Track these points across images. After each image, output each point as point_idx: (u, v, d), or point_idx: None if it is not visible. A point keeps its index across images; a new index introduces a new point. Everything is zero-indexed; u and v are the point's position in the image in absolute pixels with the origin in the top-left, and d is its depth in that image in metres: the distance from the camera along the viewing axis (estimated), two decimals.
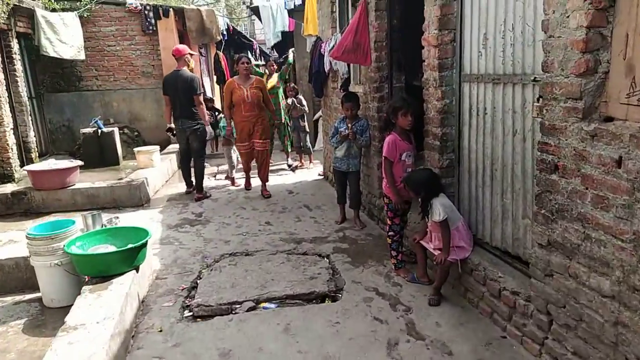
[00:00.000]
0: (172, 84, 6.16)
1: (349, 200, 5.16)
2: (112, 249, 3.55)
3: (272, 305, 3.44)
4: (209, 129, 6.56)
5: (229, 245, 4.68)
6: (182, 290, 3.77)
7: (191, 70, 6.75)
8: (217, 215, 5.70)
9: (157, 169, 7.20)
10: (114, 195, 6.14)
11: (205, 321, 3.28)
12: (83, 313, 2.84)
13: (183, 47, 6.36)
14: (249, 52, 20.96)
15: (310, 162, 8.38)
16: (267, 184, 6.53)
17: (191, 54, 6.58)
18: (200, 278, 3.96)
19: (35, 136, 8.21)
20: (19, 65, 7.66)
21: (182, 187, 7.07)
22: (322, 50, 6.08)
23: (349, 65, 5.60)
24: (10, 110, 7.20)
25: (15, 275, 3.76)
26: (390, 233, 3.85)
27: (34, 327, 3.29)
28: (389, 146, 3.72)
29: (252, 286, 3.71)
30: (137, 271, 3.51)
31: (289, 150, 8.37)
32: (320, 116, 9.92)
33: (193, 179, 6.65)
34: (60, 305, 3.53)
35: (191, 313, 3.40)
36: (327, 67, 6.01)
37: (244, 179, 6.81)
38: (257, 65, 8.32)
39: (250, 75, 6.12)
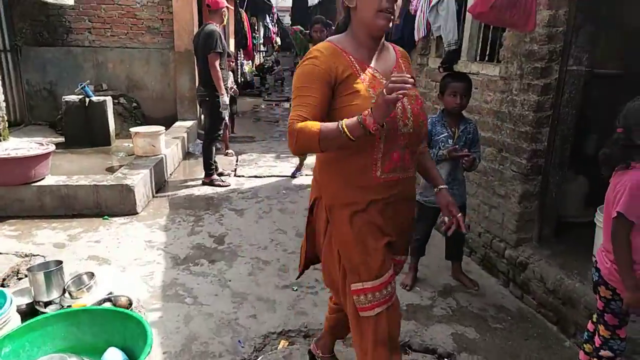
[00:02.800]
0: (195, 41, 5.15)
1: (448, 249, 3.33)
2: None
3: None
4: (224, 100, 4.98)
5: (275, 312, 2.88)
6: None
7: (223, 28, 5.25)
8: (246, 242, 3.88)
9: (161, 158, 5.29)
10: (98, 198, 4.28)
11: None
12: None
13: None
14: (267, 16, 18.63)
15: None
16: None
17: (228, 8, 5.40)
18: None
19: (6, 100, 6.28)
20: None
21: (192, 184, 5.29)
22: (412, 8, 4.14)
23: (460, 32, 3.70)
24: None
25: None
26: (603, 352, 2.04)
27: None
28: (632, 194, 1.87)
29: None
30: None
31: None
32: None
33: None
34: None
35: None
36: (418, 34, 4.09)
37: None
38: (302, 32, 5.96)
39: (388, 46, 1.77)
